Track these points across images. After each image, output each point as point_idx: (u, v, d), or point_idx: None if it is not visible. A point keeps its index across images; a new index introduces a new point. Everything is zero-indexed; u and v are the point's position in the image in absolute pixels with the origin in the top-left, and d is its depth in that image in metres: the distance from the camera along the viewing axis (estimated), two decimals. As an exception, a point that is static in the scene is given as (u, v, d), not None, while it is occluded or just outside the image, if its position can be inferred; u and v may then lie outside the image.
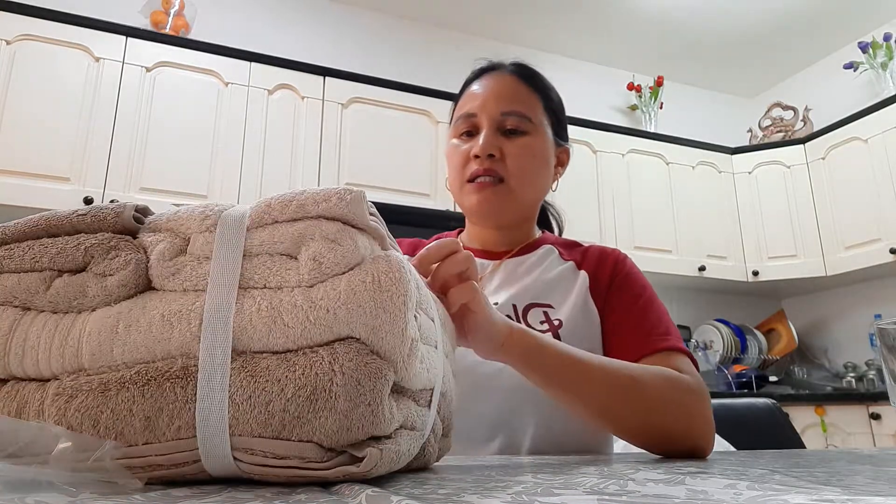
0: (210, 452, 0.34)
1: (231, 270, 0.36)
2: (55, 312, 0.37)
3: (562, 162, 0.97)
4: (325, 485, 0.35)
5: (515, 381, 0.79)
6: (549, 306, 0.86)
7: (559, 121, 0.95)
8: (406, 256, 0.44)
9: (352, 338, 0.36)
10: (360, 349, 0.35)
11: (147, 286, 0.38)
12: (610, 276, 0.88)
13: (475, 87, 0.93)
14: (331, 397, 0.34)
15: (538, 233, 0.98)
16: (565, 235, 1.05)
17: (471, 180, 0.88)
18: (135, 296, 0.37)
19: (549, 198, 1.04)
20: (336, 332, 0.36)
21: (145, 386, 0.34)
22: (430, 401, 0.44)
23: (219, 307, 0.35)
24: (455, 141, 0.92)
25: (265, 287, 0.37)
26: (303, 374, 0.34)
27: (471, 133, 0.90)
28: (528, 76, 0.93)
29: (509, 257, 0.93)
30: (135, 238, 0.39)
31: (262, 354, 0.35)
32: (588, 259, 0.91)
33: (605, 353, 0.81)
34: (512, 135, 0.88)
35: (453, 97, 0.99)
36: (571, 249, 0.94)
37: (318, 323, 0.35)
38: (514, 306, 0.85)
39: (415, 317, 0.39)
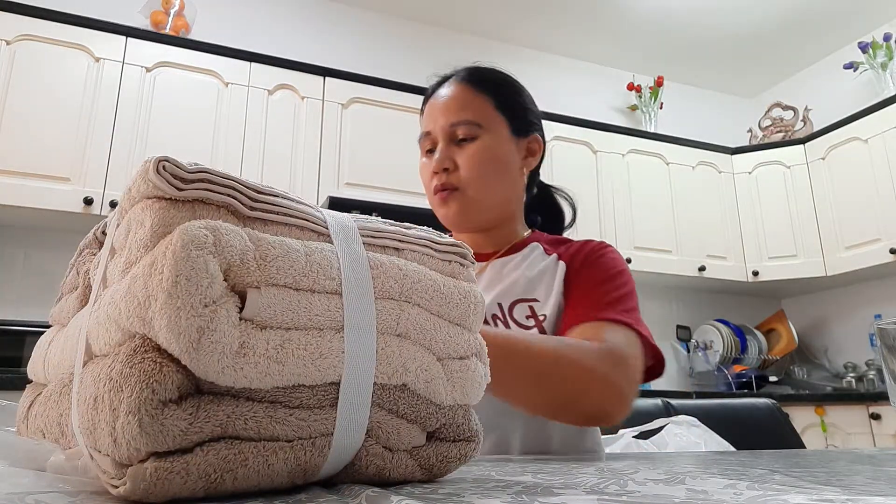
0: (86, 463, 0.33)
1: (99, 274, 0.36)
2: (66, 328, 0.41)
3: (532, 152, 0.96)
4: (326, 484, 0.35)
5: None
6: (535, 300, 0.86)
7: (516, 115, 0.94)
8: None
9: (138, 335, 0.31)
10: (138, 347, 0.30)
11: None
12: (583, 260, 0.89)
13: (430, 103, 0.95)
14: (102, 408, 0.29)
15: (527, 231, 0.99)
16: (569, 235, 1.05)
17: (435, 194, 0.91)
18: (81, 309, 0.39)
19: (558, 184, 1.07)
20: (125, 329, 0.31)
21: (55, 397, 0.36)
22: (337, 398, 0.34)
23: (85, 315, 0.35)
24: (423, 160, 0.95)
25: (109, 287, 0.35)
26: (92, 382, 0.31)
27: (431, 150, 0.93)
28: (476, 80, 0.93)
29: (497, 258, 0.94)
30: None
31: (95, 361, 0.33)
32: (569, 250, 0.92)
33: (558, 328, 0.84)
34: (463, 143, 0.90)
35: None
36: (558, 245, 0.95)
37: (110, 321, 0.31)
38: (500, 305, 0.86)
39: (228, 299, 0.31)
